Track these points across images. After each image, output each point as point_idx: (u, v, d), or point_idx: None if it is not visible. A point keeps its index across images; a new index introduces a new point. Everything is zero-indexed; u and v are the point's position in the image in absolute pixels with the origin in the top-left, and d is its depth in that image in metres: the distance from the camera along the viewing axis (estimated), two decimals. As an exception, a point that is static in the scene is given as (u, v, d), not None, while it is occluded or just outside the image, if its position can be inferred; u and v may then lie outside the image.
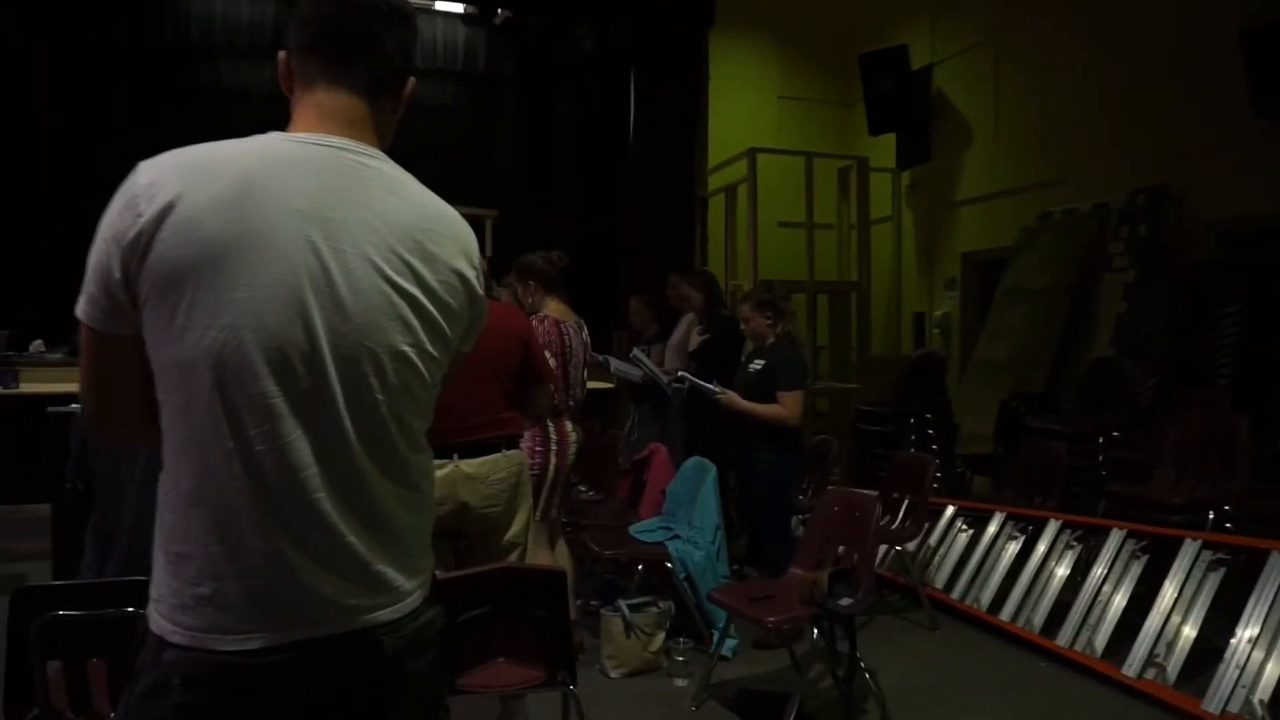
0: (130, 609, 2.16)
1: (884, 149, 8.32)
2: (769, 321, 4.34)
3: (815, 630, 3.69)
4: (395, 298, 1.15)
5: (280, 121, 1.23)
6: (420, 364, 1.18)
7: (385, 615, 1.16)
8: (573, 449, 3.83)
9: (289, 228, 1.10)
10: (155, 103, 8.69)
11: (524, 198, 9.45)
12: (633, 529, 4.38)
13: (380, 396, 1.15)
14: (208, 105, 8.91)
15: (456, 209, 1.29)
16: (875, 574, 3.68)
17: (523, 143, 9.69)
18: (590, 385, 4.18)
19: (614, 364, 5.54)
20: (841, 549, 3.53)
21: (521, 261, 4.03)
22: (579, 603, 4.17)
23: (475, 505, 3.02)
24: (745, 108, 8.83)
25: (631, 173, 8.51)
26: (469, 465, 3.00)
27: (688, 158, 8.60)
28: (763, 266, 7.52)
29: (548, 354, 3.64)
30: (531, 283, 3.93)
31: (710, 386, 4.35)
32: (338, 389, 1.12)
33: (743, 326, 4.50)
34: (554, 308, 3.91)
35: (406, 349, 1.16)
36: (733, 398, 4.28)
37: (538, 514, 3.70)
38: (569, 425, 3.83)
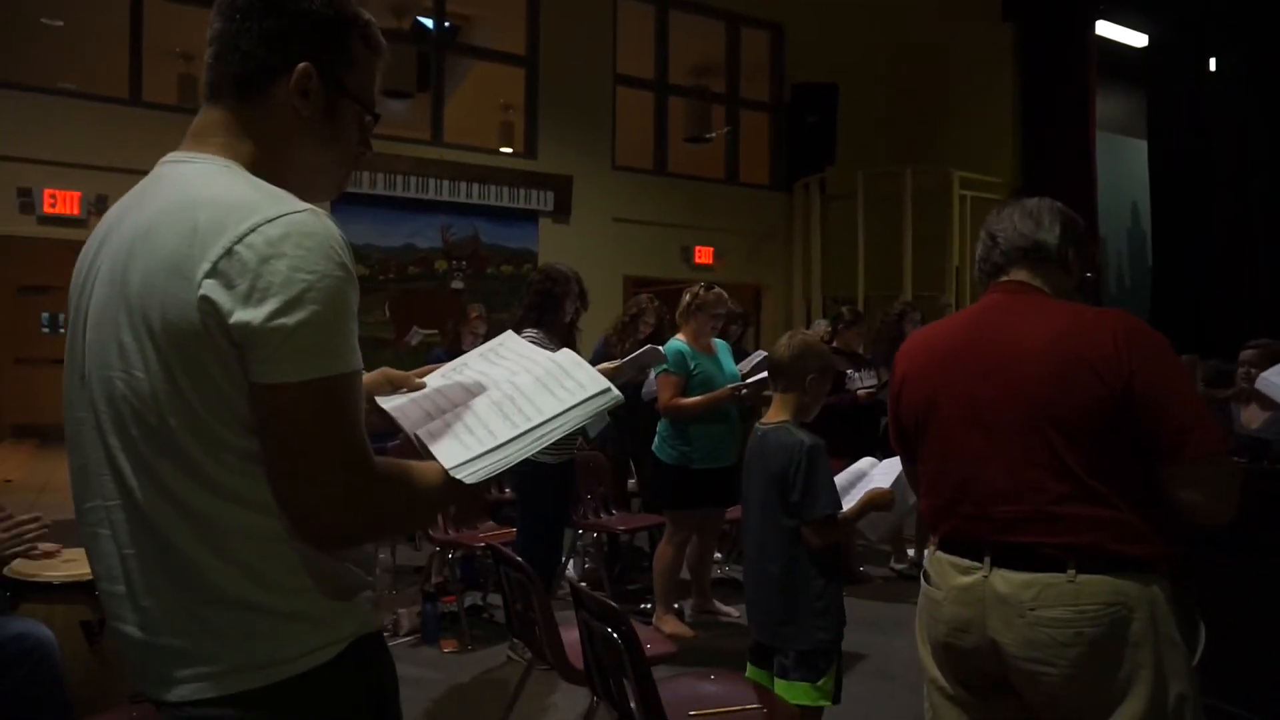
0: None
1: None
2: None
3: None
4: (113, 316, 1.03)
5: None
6: (131, 396, 1.00)
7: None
8: None
9: (89, 258, 1.12)
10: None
11: None
12: None
13: (105, 434, 1.04)
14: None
15: None
16: None
17: None
18: None
19: None
20: None
21: None
22: None
23: (1012, 651, 1.72)
24: None
25: None
26: (1003, 580, 1.74)
27: None
28: None
29: None
30: None
31: None
32: (99, 422, 1.05)
33: None
34: None
35: (114, 376, 1.02)
36: None
37: None
38: None
